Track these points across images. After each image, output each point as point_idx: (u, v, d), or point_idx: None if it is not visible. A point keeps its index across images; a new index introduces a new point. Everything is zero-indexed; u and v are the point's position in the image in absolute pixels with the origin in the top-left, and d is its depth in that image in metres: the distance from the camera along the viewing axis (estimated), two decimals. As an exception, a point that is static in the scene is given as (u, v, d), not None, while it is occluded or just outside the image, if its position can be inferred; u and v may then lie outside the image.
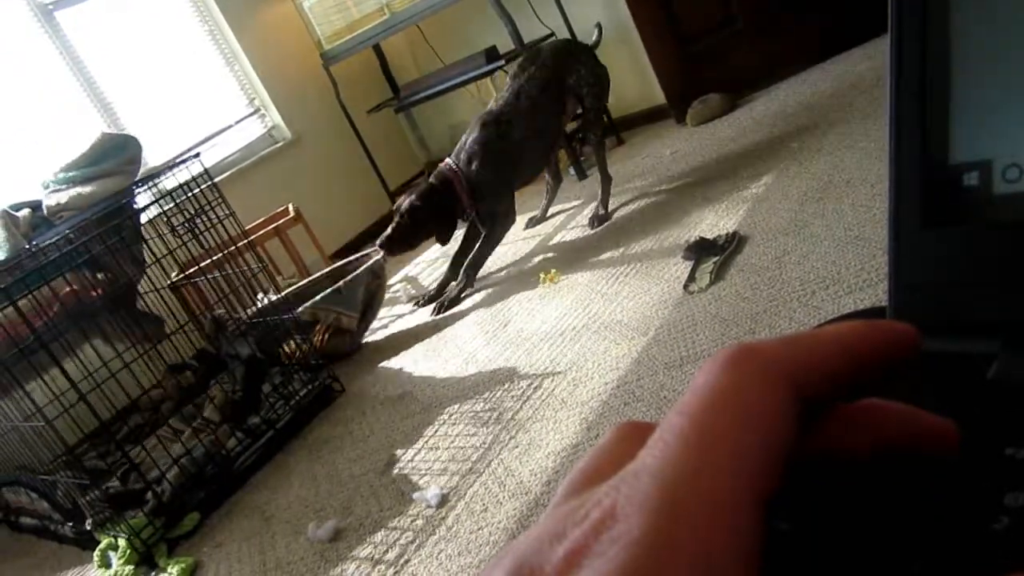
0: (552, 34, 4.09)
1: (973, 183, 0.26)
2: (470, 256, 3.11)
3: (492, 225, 3.10)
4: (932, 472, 0.20)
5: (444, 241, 3.12)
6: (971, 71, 0.25)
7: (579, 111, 3.20)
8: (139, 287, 2.96)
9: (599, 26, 3.46)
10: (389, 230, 3.02)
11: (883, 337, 0.20)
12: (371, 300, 3.05)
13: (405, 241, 3.02)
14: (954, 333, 0.25)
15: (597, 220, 3.19)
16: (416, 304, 3.20)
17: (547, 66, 3.02)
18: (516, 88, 3.02)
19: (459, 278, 3.12)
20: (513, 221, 3.19)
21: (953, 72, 0.26)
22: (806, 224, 2.31)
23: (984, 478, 0.20)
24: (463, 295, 3.09)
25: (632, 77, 4.19)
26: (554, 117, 3.08)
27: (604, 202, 3.22)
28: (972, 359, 0.24)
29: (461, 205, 3.02)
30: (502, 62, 3.93)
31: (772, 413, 0.18)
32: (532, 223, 3.59)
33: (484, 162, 2.97)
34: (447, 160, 3.06)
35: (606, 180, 3.24)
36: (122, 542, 2.22)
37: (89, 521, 2.35)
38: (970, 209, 0.26)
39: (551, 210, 3.62)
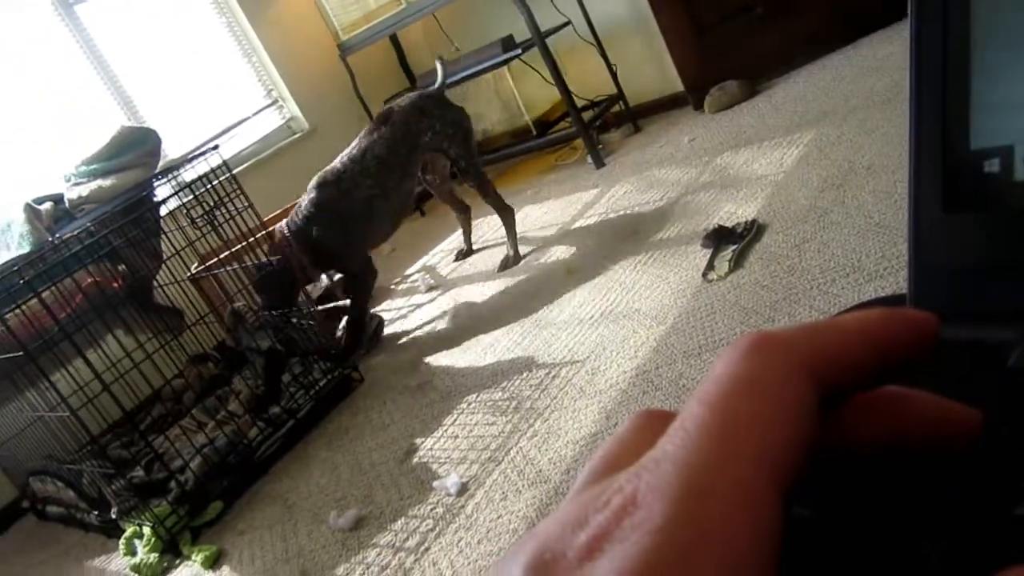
0: (568, 22, 4.07)
1: (994, 169, 0.25)
2: (345, 320, 3.00)
3: (354, 286, 2.99)
4: (952, 459, 0.20)
5: (284, 306, 2.93)
6: (992, 56, 0.25)
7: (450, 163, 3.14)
8: (157, 279, 2.99)
9: (441, 60, 3.28)
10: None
11: (904, 326, 0.20)
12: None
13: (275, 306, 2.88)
14: (974, 320, 0.25)
15: (505, 263, 3.12)
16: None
17: (396, 125, 2.91)
18: (363, 147, 2.91)
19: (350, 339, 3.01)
20: (374, 276, 3.07)
21: (974, 57, 0.26)
22: (826, 211, 2.29)
23: (1005, 465, 0.20)
24: (360, 350, 2.99)
25: (650, 65, 4.16)
26: (407, 177, 2.96)
27: (512, 240, 3.16)
28: (992, 346, 0.24)
29: (297, 273, 2.86)
30: (519, 51, 3.92)
31: (793, 401, 0.18)
32: (460, 256, 3.56)
33: (325, 224, 2.83)
34: (281, 225, 2.91)
35: (508, 214, 3.14)
36: (147, 530, 2.25)
37: (115, 510, 2.38)
38: (991, 195, 0.26)
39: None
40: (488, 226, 3.71)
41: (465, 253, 3.58)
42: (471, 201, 3.47)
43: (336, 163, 2.95)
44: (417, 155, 2.97)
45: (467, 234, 3.58)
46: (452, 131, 2.99)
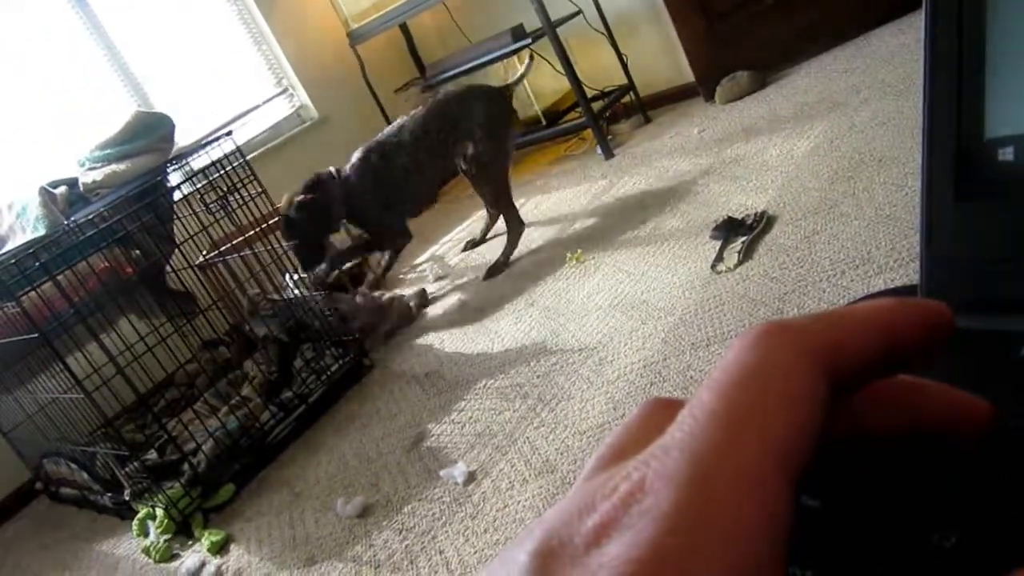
0: (579, 12, 4.05)
1: (1008, 158, 0.25)
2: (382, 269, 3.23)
3: (384, 243, 3.21)
4: (963, 450, 0.20)
5: (309, 264, 3.05)
6: (1007, 46, 0.25)
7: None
8: (170, 264, 3.00)
9: (532, 57, 3.39)
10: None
11: (915, 316, 0.20)
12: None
13: (304, 261, 3.01)
14: (986, 310, 0.25)
15: (492, 271, 3.12)
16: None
17: (433, 110, 3.07)
18: (400, 123, 3.10)
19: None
20: (405, 238, 3.23)
21: (988, 47, 0.25)
22: (836, 203, 2.28)
23: (1015, 456, 0.20)
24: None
25: (661, 55, 4.14)
26: (439, 158, 3.06)
27: (508, 251, 3.16)
28: (1004, 337, 0.24)
29: (333, 212, 3.06)
30: (529, 40, 3.91)
31: (803, 390, 0.18)
32: (470, 245, 3.60)
33: (366, 185, 3.03)
34: (330, 168, 3.10)
35: (515, 228, 3.16)
36: (159, 512, 2.27)
37: (127, 491, 2.40)
38: (1004, 184, 0.25)
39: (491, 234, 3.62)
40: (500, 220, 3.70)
41: (475, 244, 3.58)
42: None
43: (379, 135, 3.14)
44: (451, 143, 3.06)
45: (488, 227, 3.57)
46: (483, 120, 3.07)
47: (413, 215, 3.23)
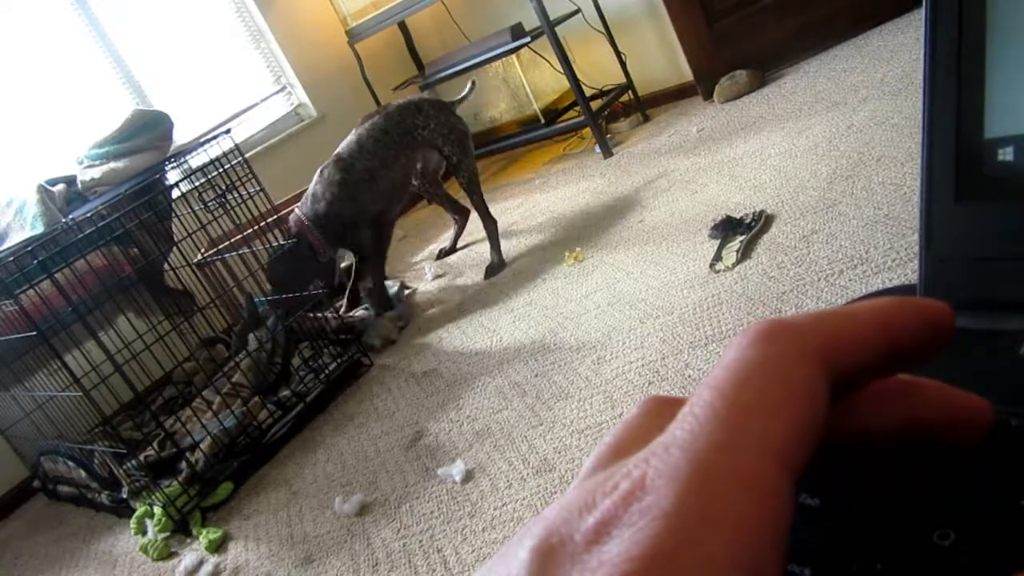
0: (578, 10, 4.05)
1: (1007, 158, 0.25)
2: (369, 288, 3.15)
3: (365, 255, 3.14)
4: (962, 449, 0.20)
5: (333, 287, 3.16)
6: (1006, 46, 0.25)
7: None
8: (168, 262, 3.00)
9: (472, 83, 3.44)
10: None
11: (916, 315, 0.20)
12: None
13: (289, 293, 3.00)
14: (985, 309, 0.25)
15: (491, 270, 3.15)
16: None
17: (391, 117, 3.06)
18: (359, 133, 3.07)
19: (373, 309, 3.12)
20: (387, 240, 3.20)
21: (988, 46, 0.25)
22: (835, 202, 2.28)
23: (1014, 454, 0.20)
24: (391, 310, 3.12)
25: (659, 54, 4.14)
26: (402, 155, 3.07)
27: (495, 248, 3.18)
28: (1003, 336, 0.24)
29: (317, 252, 3.02)
30: (527, 39, 3.91)
31: (803, 388, 0.18)
32: (442, 254, 3.60)
33: (333, 201, 2.97)
34: (295, 211, 3.06)
35: (490, 223, 3.20)
36: (157, 510, 2.27)
37: (125, 489, 2.40)
38: (1004, 184, 0.25)
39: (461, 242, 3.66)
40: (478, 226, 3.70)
41: (447, 252, 3.62)
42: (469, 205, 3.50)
43: (337, 149, 3.11)
44: (412, 144, 3.09)
45: (457, 236, 3.63)
46: (447, 131, 3.12)
47: (390, 213, 3.21)
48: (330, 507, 2.05)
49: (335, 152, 3.08)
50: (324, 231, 2.99)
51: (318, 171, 3.05)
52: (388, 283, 3.24)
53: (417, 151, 3.13)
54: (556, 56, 3.73)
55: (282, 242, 2.87)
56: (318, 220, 2.99)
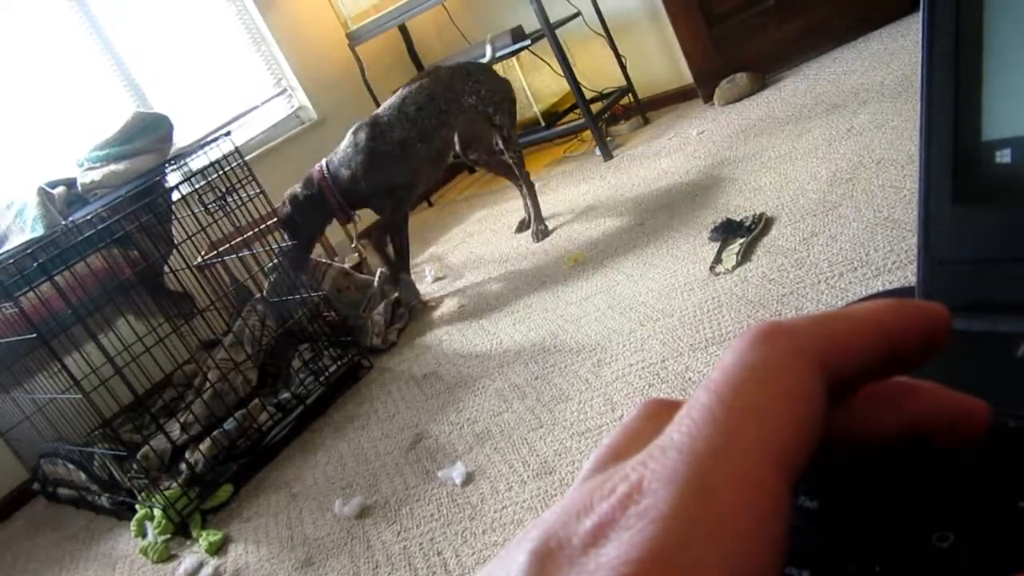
0: (578, 13, 4.05)
1: (1005, 160, 0.25)
2: (394, 264, 3.10)
3: (389, 222, 3.07)
4: (960, 451, 0.20)
5: (305, 254, 3.04)
6: (1004, 48, 0.25)
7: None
8: (168, 265, 3.00)
9: (492, 38, 3.40)
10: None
11: (914, 317, 0.20)
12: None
13: (298, 248, 2.94)
14: (984, 311, 0.25)
15: (539, 234, 3.18)
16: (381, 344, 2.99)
17: (440, 80, 2.98)
18: (404, 95, 2.98)
19: (399, 286, 3.11)
20: (405, 209, 3.11)
21: (986, 49, 0.25)
22: (835, 205, 2.28)
23: (1012, 456, 0.20)
24: (413, 301, 3.09)
25: (660, 57, 4.14)
26: (444, 127, 3.00)
27: (538, 216, 3.21)
28: (1001, 338, 0.24)
29: (333, 210, 2.99)
30: (528, 42, 3.91)
31: (801, 391, 0.18)
32: (521, 227, 3.51)
33: (357, 171, 2.90)
34: (318, 165, 2.99)
35: (532, 191, 3.21)
36: (157, 513, 2.27)
37: (131, 476, 2.39)
38: (1002, 186, 0.25)
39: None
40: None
41: (526, 224, 3.48)
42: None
43: (378, 109, 3.02)
44: (459, 111, 3.01)
45: (531, 203, 3.44)
46: (499, 99, 3.05)
47: (420, 193, 3.15)
48: (330, 509, 2.05)
49: (375, 112, 3.00)
50: (345, 195, 2.94)
51: (351, 131, 2.96)
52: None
53: (461, 120, 3.04)
54: (556, 59, 3.74)
55: (298, 191, 2.86)
56: (339, 184, 2.93)
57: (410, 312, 3.10)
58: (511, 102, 3.11)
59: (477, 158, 3.31)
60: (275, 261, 2.88)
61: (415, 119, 2.92)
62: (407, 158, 2.93)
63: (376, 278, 3.16)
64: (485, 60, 3.27)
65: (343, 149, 2.95)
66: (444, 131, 3.01)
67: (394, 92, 3.07)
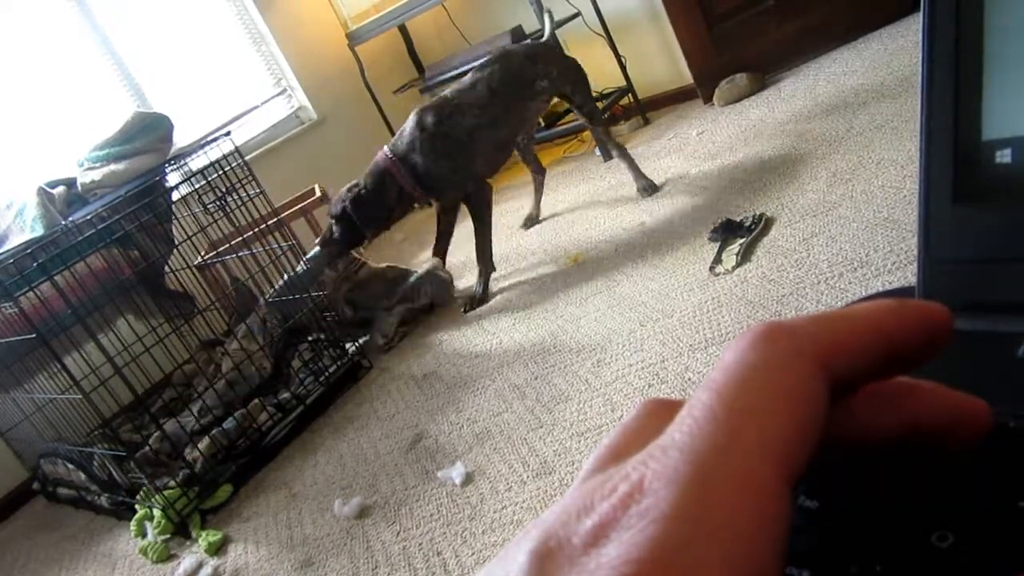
0: (578, 13, 4.05)
1: (1005, 160, 0.25)
2: (476, 248, 3.00)
3: (445, 207, 3.02)
4: (961, 450, 0.20)
5: (348, 249, 2.97)
6: (1004, 48, 0.25)
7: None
8: (168, 265, 3.00)
9: (549, 12, 3.34)
10: (326, 232, 2.90)
11: (914, 317, 0.20)
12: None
13: (345, 244, 2.90)
14: (984, 311, 0.25)
15: (648, 189, 3.15)
16: (464, 310, 2.96)
17: (512, 65, 2.93)
18: (474, 79, 2.92)
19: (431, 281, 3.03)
20: (487, 193, 3.01)
21: (986, 49, 0.25)
22: (834, 205, 2.28)
23: (1013, 456, 0.20)
24: (487, 289, 2.99)
25: (659, 57, 4.14)
26: (514, 113, 2.95)
27: (640, 173, 3.18)
28: (1001, 337, 0.24)
29: (407, 193, 2.87)
30: (528, 42, 3.91)
31: (801, 390, 0.18)
32: (529, 223, 3.49)
33: (427, 150, 2.81)
34: (383, 149, 2.92)
35: (626, 154, 3.19)
36: (157, 513, 2.27)
37: (140, 460, 2.40)
38: (1002, 186, 0.25)
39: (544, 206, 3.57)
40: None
41: (533, 220, 3.49)
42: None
43: (446, 91, 2.96)
44: (531, 95, 2.97)
45: (538, 199, 3.50)
46: (574, 78, 3.03)
47: (487, 175, 3.03)
48: (330, 510, 2.05)
49: (442, 94, 2.94)
50: (415, 177, 2.84)
51: (415, 113, 2.88)
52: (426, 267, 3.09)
53: (531, 105, 3.00)
54: (556, 59, 3.73)
55: (358, 182, 2.79)
56: (410, 167, 2.84)
57: (431, 309, 3.02)
58: (584, 78, 3.08)
59: (518, 142, 3.25)
60: (309, 254, 2.84)
61: (486, 105, 2.86)
62: (475, 143, 2.86)
63: (419, 272, 3.07)
64: (545, 36, 3.23)
65: (408, 133, 2.86)
66: (514, 118, 2.96)
67: (467, 76, 2.99)
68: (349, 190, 2.85)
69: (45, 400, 2.62)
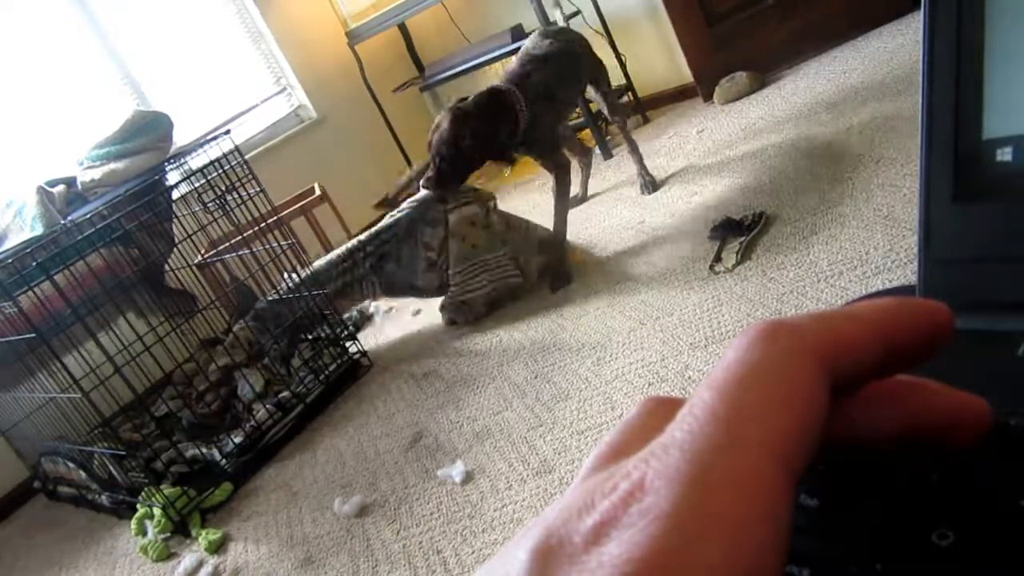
0: (578, 12, 4.05)
1: (1006, 158, 0.25)
2: (555, 217, 2.77)
3: (557, 170, 2.76)
4: (961, 449, 0.20)
5: (460, 178, 2.63)
6: (1004, 46, 0.25)
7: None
8: (168, 263, 3.00)
9: (560, 6, 3.35)
10: (432, 170, 2.57)
11: (916, 315, 0.20)
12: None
13: (453, 178, 2.59)
14: (985, 309, 0.25)
15: (650, 186, 3.15)
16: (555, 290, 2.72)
17: (571, 41, 2.91)
18: (546, 52, 2.79)
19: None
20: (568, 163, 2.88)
21: (987, 48, 0.25)
22: (834, 204, 2.28)
23: (1013, 455, 0.20)
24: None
25: (659, 55, 4.14)
26: (571, 94, 2.95)
27: (644, 169, 3.19)
28: (1002, 336, 0.24)
29: (516, 127, 2.57)
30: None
31: (802, 388, 0.18)
32: (574, 202, 3.42)
33: (531, 94, 2.63)
34: (496, 84, 2.66)
35: (636, 150, 3.19)
36: (157, 511, 2.27)
37: (141, 467, 2.40)
38: (1003, 184, 0.25)
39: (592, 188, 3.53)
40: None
41: (580, 199, 3.45)
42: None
43: (512, 67, 2.80)
44: (578, 80, 2.97)
45: (585, 180, 3.48)
46: (601, 68, 3.06)
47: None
48: (330, 508, 2.05)
49: (531, 53, 2.78)
50: (527, 99, 2.60)
51: (516, 62, 2.73)
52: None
53: (580, 86, 2.98)
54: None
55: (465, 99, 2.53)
56: (522, 83, 2.64)
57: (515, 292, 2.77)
58: (607, 71, 3.13)
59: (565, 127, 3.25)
60: (418, 195, 2.71)
61: (559, 76, 2.76)
62: (555, 104, 2.76)
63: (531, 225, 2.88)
64: (560, 24, 3.21)
65: (517, 66, 2.73)
66: (571, 97, 2.97)
67: (528, 46, 2.87)
68: (454, 118, 2.51)
69: (45, 399, 2.62)
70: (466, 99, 2.57)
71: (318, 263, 2.83)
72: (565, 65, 2.82)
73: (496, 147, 2.58)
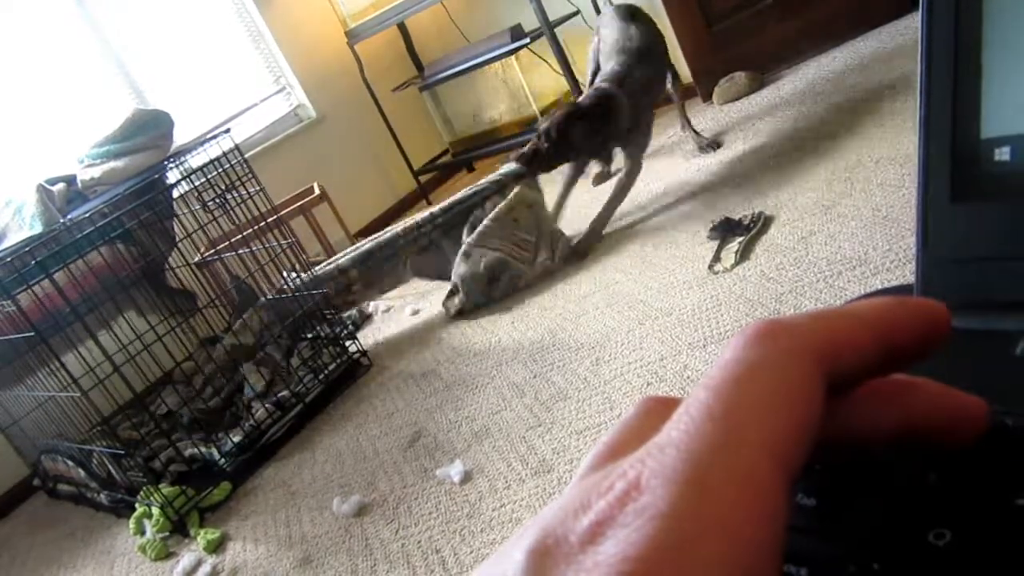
0: (577, 12, 4.05)
1: (1004, 158, 0.25)
2: (609, 202, 2.88)
3: (634, 163, 2.89)
4: (958, 448, 0.20)
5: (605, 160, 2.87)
6: (1003, 46, 0.25)
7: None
8: (169, 262, 3.00)
9: None
10: (530, 146, 2.76)
11: (913, 315, 0.20)
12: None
13: (548, 161, 2.78)
14: (982, 309, 0.25)
15: (714, 146, 3.21)
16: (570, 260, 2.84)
17: (650, 26, 3.00)
18: (631, 36, 2.90)
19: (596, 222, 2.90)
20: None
21: (985, 47, 0.25)
22: (833, 204, 2.28)
23: (1010, 454, 0.20)
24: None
25: (658, 55, 4.14)
26: (661, 82, 3.03)
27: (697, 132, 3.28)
28: (999, 336, 0.24)
29: (618, 130, 2.74)
30: (527, 40, 3.91)
31: (800, 389, 0.18)
32: (600, 179, 3.52)
33: (634, 91, 2.76)
34: (599, 84, 2.80)
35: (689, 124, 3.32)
36: (156, 511, 2.27)
37: (140, 466, 2.41)
38: (1001, 184, 0.25)
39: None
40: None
41: (605, 176, 3.51)
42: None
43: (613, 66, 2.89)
44: (662, 68, 3.03)
45: (610, 160, 3.53)
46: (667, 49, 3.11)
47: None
48: (328, 508, 2.05)
49: (627, 46, 2.86)
50: (630, 100, 2.75)
51: (613, 54, 2.82)
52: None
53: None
54: (555, 57, 3.74)
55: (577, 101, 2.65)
56: (623, 83, 2.77)
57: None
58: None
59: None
60: (504, 169, 2.75)
61: (647, 65, 2.87)
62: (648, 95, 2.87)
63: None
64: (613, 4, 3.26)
65: (617, 67, 2.81)
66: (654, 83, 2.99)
67: (610, 31, 2.95)
68: (569, 112, 2.72)
69: (45, 397, 2.62)
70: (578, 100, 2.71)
71: (384, 234, 2.85)
72: (655, 55, 2.93)
73: (598, 148, 2.83)
